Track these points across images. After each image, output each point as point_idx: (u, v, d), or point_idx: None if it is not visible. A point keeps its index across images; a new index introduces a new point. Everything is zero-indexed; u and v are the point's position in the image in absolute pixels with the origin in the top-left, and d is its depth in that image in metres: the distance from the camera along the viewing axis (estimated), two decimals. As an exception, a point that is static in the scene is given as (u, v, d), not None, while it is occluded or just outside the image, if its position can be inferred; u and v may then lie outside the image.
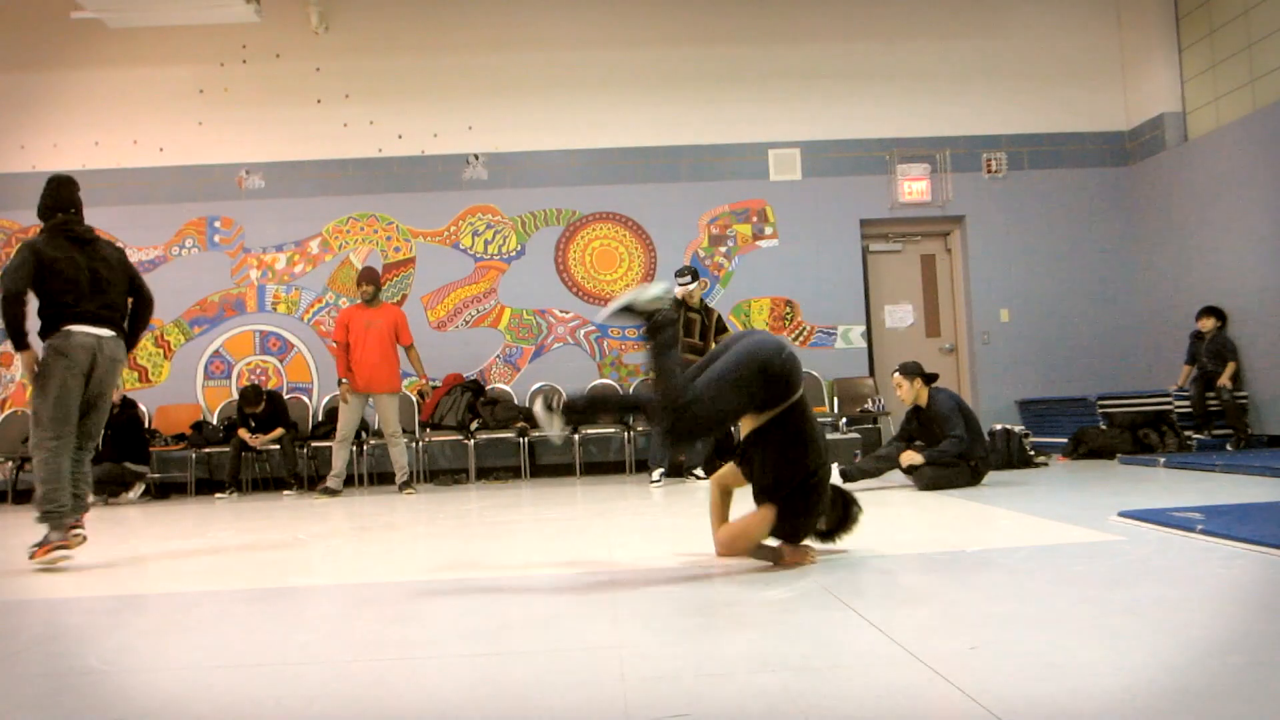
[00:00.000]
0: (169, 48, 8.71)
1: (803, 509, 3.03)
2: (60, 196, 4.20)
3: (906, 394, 5.66)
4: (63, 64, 8.73)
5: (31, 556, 3.88)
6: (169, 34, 8.54)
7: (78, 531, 4.00)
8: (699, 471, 7.18)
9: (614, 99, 8.91)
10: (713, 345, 7.23)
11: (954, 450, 5.44)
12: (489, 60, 8.89)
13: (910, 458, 5.54)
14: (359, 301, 7.42)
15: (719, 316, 7.45)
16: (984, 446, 5.63)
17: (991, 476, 6.20)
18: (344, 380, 7.21)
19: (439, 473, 8.44)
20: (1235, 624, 2.17)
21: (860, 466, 5.79)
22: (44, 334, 4.03)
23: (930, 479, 5.50)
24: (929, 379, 5.69)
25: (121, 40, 8.58)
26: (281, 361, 8.67)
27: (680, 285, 7.16)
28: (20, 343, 3.99)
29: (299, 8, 8.70)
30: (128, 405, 7.76)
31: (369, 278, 7.39)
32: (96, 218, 8.89)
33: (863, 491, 5.62)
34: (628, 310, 3.07)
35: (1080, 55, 9.11)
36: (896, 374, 5.69)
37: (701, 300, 7.34)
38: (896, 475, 5.87)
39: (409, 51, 8.87)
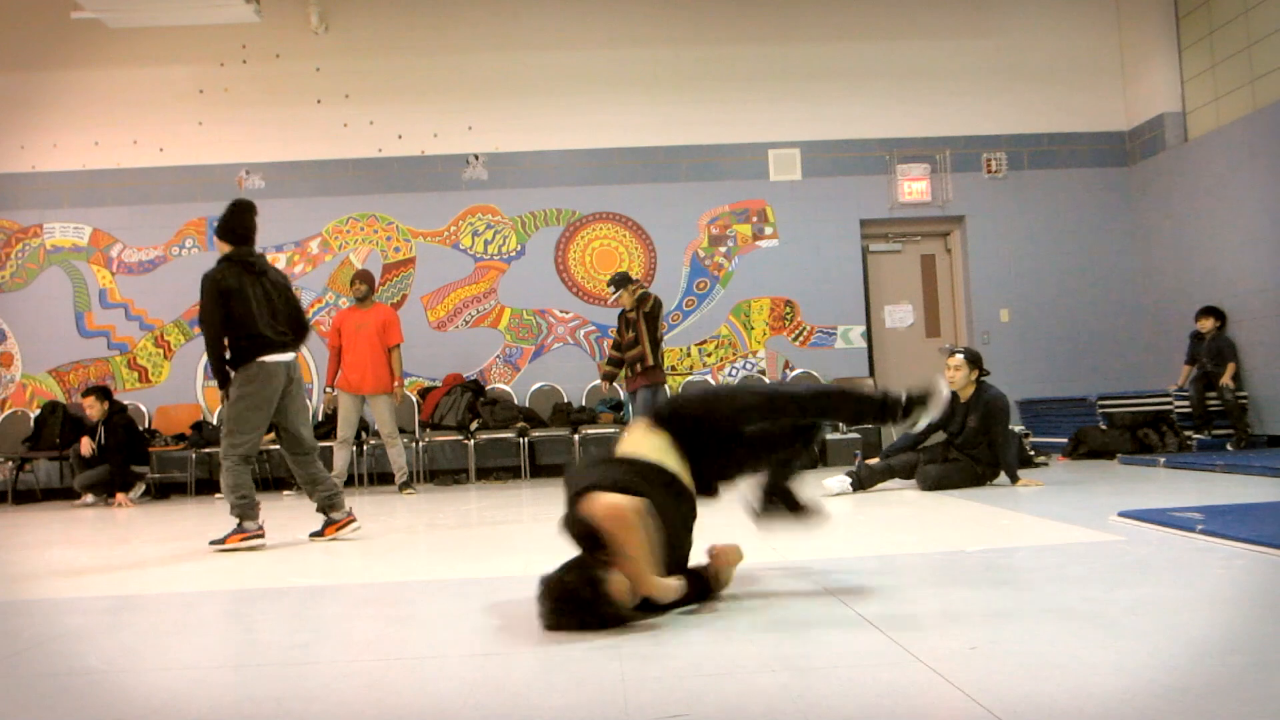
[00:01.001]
0: (169, 48, 8.70)
1: None
2: (243, 223, 4.45)
3: (961, 380, 5.59)
4: (63, 64, 8.72)
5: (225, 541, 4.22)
6: (169, 34, 8.54)
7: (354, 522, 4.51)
8: None
9: (614, 99, 8.90)
10: (645, 338, 7.04)
11: (1010, 459, 5.55)
12: (489, 60, 8.89)
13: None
14: (353, 302, 7.43)
15: (653, 302, 7.19)
16: (1002, 455, 5.62)
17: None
18: (330, 389, 7.24)
19: (439, 473, 8.44)
20: (1235, 624, 2.17)
21: (871, 470, 5.76)
22: (236, 364, 4.31)
23: (935, 479, 5.50)
24: (984, 372, 5.69)
25: (121, 40, 8.58)
26: (281, 361, 8.66)
27: (613, 297, 7.31)
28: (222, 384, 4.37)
29: (299, 8, 8.70)
30: (117, 408, 7.73)
31: (363, 277, 7.41)
32: (96, 218, 8.97)
33: (865, 491, 5.64)
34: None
35: (1080, 55, 9.10)
36: (960, 356, 5.63)
37: (635, 302, 7.20)
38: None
39: (409, 51, 8.87)
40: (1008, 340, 8.87)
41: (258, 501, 4.34)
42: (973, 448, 5.56)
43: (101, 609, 2.94)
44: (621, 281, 7.24)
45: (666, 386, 7.46)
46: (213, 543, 4.26)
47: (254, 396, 4.27)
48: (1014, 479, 5.52)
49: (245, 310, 4.25)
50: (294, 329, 4.47)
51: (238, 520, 4.28)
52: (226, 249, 4.38)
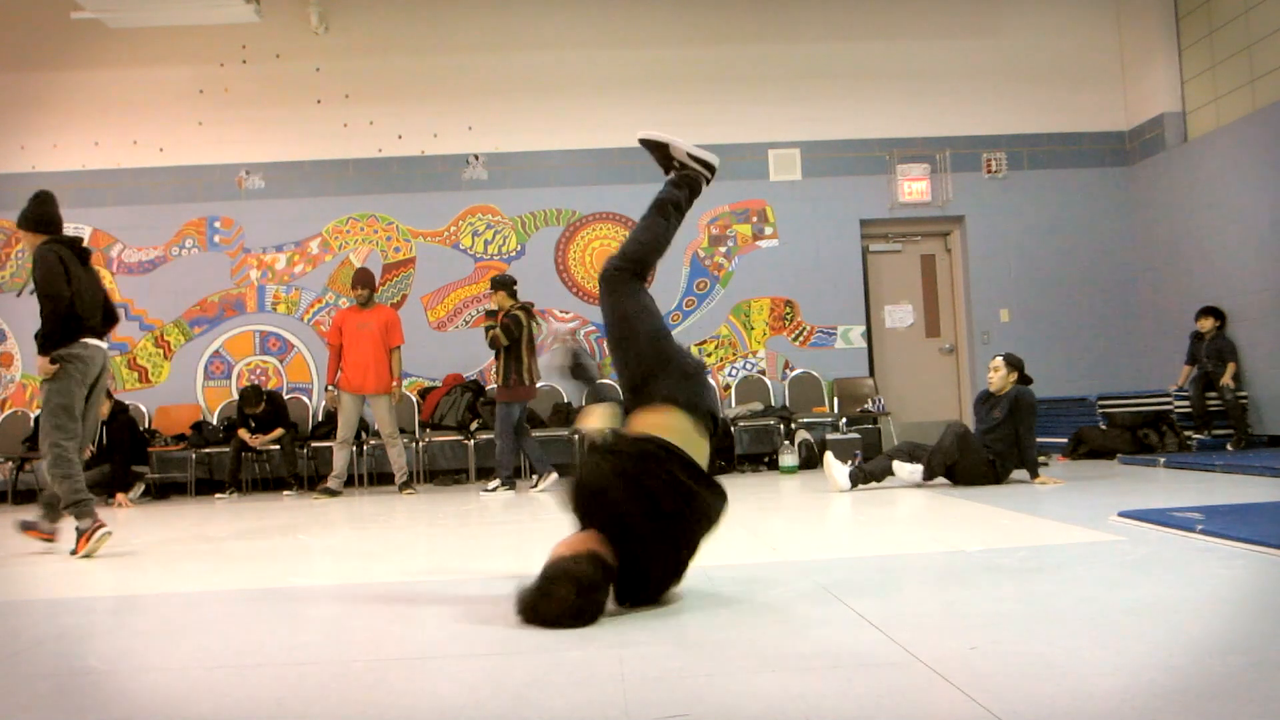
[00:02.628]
0: (169, 48, 8.70)
1: None
2: (57, 213, 4.48)
3: (999, 380, 5.83)
4: (63, 64, 8.72)
5: (74, 552, 4.07)
6: (169, 34, 8.53)
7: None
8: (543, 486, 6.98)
9: (614, 99, 8.90)
10: (501, 359, 6.97)
11: (1032, 456, 5.67)
12: (489, 60, 8.89)
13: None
14: (354, 303, 7.44)
15: (507, 327, 6.98)
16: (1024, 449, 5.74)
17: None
18: (330, 387, 7.26)
19: (439, 473, 8.44)
20: (1235, 624, 2.17)
21: (865, 469, 5.78)
22: (62, 343, 4.25)
23: (947, 450, 5.60)
24: (1024, 379, 5.85)
25: (121, 40, 8.58)
26: (281, 362, 8.67)
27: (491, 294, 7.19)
28: (47, 349, 4.23)
29: (299, 8, 8.70)
30: (120, 408, 7.73)
31: (363, 281, 7.41)
32: (96, 218, 8.97)
33: (866, 490, 5.64)
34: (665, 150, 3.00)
35: (1080, 55, 9.10)
36: (1000, 359, 5.89)
37: (512, 309, 7.06)
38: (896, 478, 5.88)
39: (409, 51, 8.87)
40: (1008, 340, 8.84)
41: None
42: (991, 435, 5.71)
43: (101, 609, 2.94)
44: (502, 283, 7.12)
45: (525, 404, 7.19)
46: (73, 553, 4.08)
47: (77, 375, 4.25)
48: (1034, 474, 5.63)
49: (76, 291, 4.27)
50: (106, 320, 4.50)
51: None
52: (41, 238, 4.36)
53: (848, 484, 5.61)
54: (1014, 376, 5.82)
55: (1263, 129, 7.48)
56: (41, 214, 4.41)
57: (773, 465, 8.09)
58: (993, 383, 5.84)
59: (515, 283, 7.30)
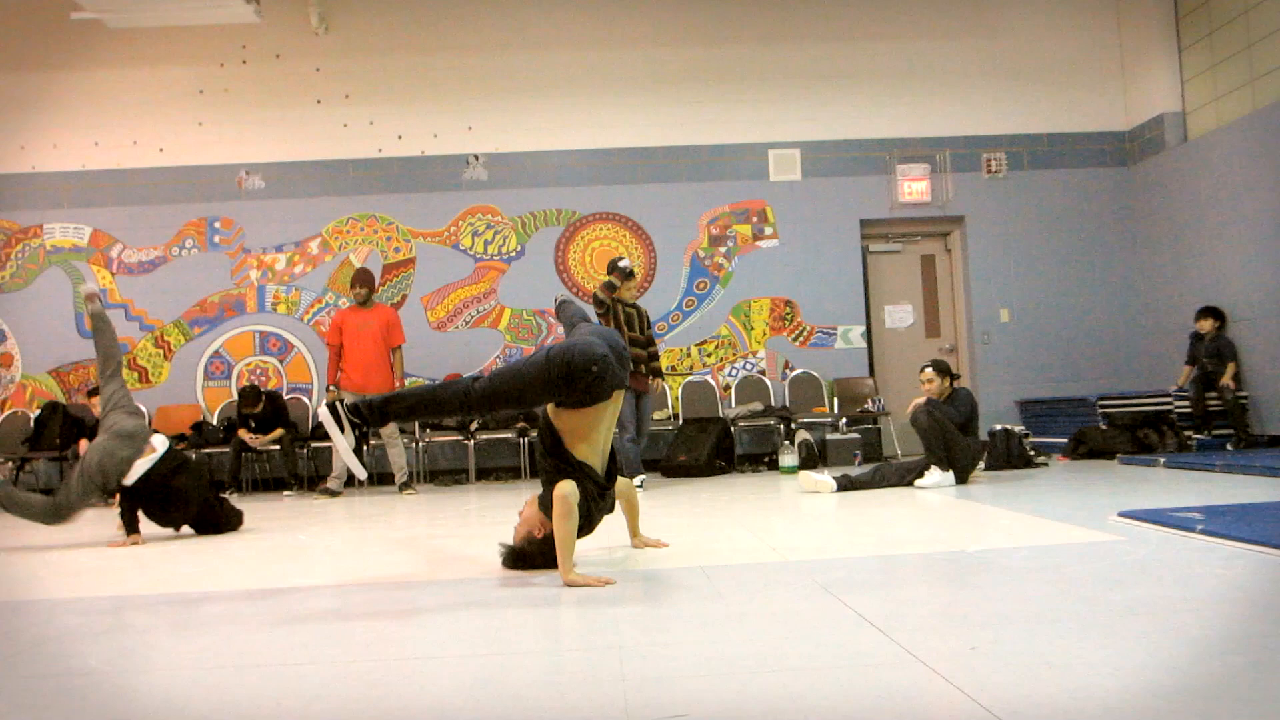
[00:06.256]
0: (169, 48, 8.70)
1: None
2: None
3: (935, 389, 5.99)
4: (63, 64, 8.72)
5: None
6: (169, 34, 8.54)
7: None
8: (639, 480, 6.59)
9: (614, 99, 8.90)
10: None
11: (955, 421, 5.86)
12: (489, 61, 8.89)
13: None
14: (354, 303, 7.44)
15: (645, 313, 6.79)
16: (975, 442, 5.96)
17: (992, 476, 6.26)
18: (332, 387, 7.26)
19: (439, 473, 8.44)
20: (1235, 624, 2.17)
21: (855, 478, 5.79)
22: None
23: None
24: (954, 378, 6.10)
25: (121, 40, 8.58)
26: (281, 362, 8.67)
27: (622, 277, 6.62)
28: None
29: (299, 8, 8.70)
30: None
31: (362, 280, 7.40)
32: (97, 218, 8.98)
33: (865, 491, 5.64)
34: None
35: (1080, 55, 9.10)
36: (929, 369, 6.04)
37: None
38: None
39: (409, 51, 8.87)
40: (1008, 340, 8.87)
41: None
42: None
43: (101, 609, 2.94)
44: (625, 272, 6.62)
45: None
46: None
47: None
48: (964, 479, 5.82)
49: None
50: None
51: None
52: None
53: (832, 482, 5.61)
54: (948, 380, 6.01)
55: (1263, 129, 7.48)
56: None
57: (773, 465, 8.10)
58: (933, 393, 5.98)
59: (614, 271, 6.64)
